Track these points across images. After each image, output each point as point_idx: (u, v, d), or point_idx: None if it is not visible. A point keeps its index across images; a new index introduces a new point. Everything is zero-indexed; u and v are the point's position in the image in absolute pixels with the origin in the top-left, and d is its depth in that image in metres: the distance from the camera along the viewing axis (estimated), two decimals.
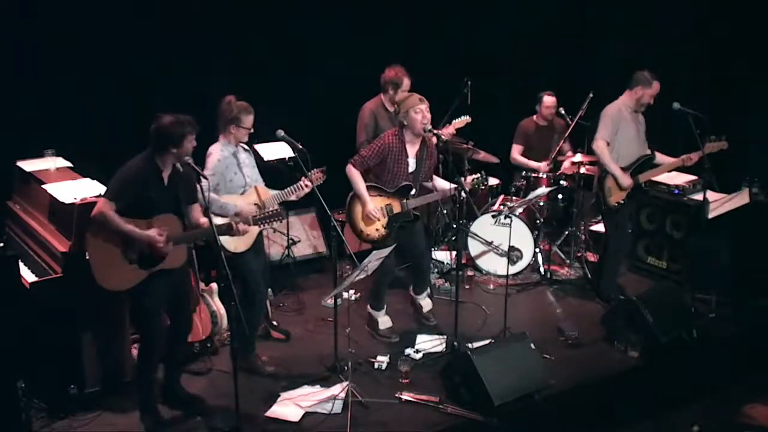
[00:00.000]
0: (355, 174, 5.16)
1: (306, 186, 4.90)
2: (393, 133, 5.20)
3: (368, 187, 5.19)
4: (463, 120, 6.34)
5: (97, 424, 4.39)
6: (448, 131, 6.03)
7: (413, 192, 5.23)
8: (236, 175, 4.72)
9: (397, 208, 5.22)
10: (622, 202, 5.69)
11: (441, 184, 5.37)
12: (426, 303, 5.73)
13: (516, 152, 7.00)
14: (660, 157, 5.76)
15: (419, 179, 5.28)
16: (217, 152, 4.68)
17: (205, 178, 4.35)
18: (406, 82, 5.74)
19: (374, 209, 5.14)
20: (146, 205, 4.09)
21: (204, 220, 4.37)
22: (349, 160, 5.20)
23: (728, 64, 6.97)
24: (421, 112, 5.04)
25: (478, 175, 5.32)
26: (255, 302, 4.88)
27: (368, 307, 5.62)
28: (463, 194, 5.16)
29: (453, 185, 5.17)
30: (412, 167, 5.22)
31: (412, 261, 5.60)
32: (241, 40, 6.42)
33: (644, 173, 5.68)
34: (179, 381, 4.63)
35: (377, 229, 5.22)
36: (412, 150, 5.20)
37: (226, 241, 4.55)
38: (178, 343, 4.54)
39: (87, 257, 4.15)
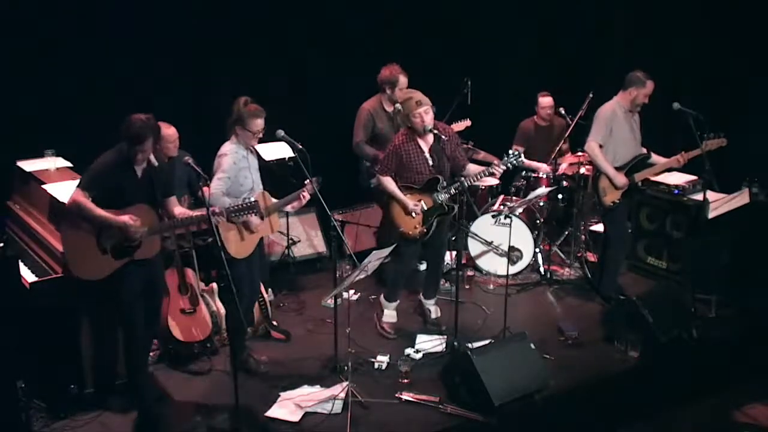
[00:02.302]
0: (385, 180, 5.23)
1: (303, 197, 4.84)
2: (402, 133, 5.23)
3: (400, 188, 5.24)
4: (462, 123, 6.35)
5: (97, 424, 4.38)
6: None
7: (443, 183, 5.22)
8: (246, 178, 4.68)
9: (428, 203, 5.24)
10: (618, 201, 5.69)
11: (475, 169, 5.30)
12: (435, 309, 5.71)
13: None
14: (655, 159, 5.77)
15: (445, 170, 5.26)
16: (231, 153, 4.62)
17: (205, 178, 4.35)
18: (403, 80, 5.73)
19: (415, 205, 5.18)
20: (118, 196, 4.18)
21: (179, 210, 4.44)
22: (375, 171, 5.35)
23: (728, 64, 6.97)
24: (419, 116, 5.05)
25: (509, 154, 5.12)
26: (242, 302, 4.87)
27: (381, 296, 5.64)
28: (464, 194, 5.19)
29: (481, 172, 5.12)
30: (431, 161, 5.23)
31: (432, 258, 5.59)
32: (241, 40, 6.43)
33: (640, 172, 5.68)
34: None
35: (415, 227, 5.23)
36: (425, 145, 5.23)
37: (228, 244, 4.57)
38: (149, 326, 4.56)
39: (61, 247, 4.24)
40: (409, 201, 5.20)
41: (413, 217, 5.22)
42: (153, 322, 4.60)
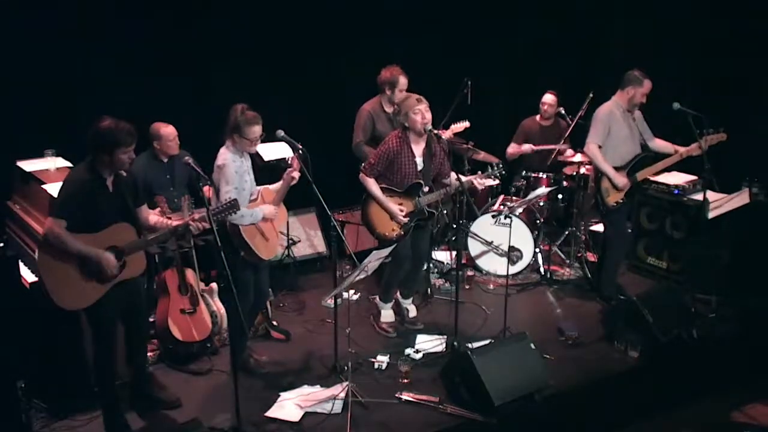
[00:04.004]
0: (369, 182, 5.18)
1: (293, 176, 4.72)
2: (396, 135, 5.19)
3: (382, 190, 5.20)
4: (461, 125, 6.36)
5: (97, 424, 4.37)
6: (446, 135, 6.03)
7: (425, 189, 5.22)
8: (246, 182, 4.63)
9: (409, 207, 5.23)
10: (621, 201, 5.70)
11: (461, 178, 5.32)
12: (411, 308, 5.72)
13: (511, 149, 7.02)
14: (660, 144, 5.77)
15: (430, 176, 5.27)
16: (230, 163, 4.52)
17: (206, 178, 4.34)
18: (403, 81, 5.73)
19: (400, 214, 5.15)
20: (94, 217, 3.97)
21: (153, 219, 4.33)
22: (360, 169, 5.23)
23: (728, 64, 6.97)
24: (419, 113, 5.04)
25: (492, 166, 5.30)
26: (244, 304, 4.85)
27: (377, 297, 5.64)
28: (465, 194, 5.20)
29: (473, 177, 5.22)
30: (420, 166, 5.22)
31: (414, 263, 5.59)
32: (241, 40, 6.42)
33: (641, 171, 5.69)
34: (149, 381, 4.64)
35: (393, 229, 5.22)
36: (418, 149, 5.21)
37: (258, 251, 4.58)
38: (136, 347, 4.52)
39: (40, 278, 4.01)
40: (395, 207, 5.16)
41: (391, 220, 5.20)
42: (139, 342, 4.55)
